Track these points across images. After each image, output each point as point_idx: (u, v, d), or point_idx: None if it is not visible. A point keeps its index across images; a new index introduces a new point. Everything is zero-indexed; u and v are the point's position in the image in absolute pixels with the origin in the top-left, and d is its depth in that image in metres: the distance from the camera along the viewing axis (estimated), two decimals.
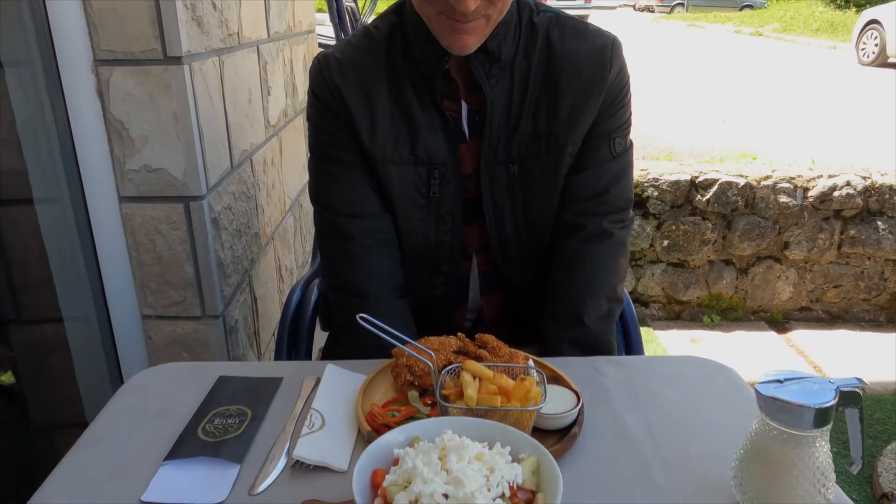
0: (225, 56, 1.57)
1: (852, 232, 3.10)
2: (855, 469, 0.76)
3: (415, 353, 0.89)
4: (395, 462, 0.67)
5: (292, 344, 1.43)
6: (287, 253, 2.24)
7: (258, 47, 1.88)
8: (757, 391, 0.72)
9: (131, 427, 0.93)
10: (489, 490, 0.62)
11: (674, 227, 3.13)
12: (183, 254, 1.45)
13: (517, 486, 0.64)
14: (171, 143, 1.36)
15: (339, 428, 0.90)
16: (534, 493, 0.66)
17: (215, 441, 0.88)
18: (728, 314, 3.26)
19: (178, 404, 0.97)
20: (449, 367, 0.89)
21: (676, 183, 3.07)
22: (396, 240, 1.22)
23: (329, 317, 1.55)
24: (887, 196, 3.05)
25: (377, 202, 1.19)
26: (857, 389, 0.71)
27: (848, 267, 3.18)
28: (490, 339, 1.02)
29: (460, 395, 0.84)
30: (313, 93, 1.18)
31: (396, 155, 1.15)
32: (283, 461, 0.85)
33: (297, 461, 0.84)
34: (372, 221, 1.20)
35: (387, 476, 0.65)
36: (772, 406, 0.70)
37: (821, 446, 0.70)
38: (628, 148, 1.23)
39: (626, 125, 1.22)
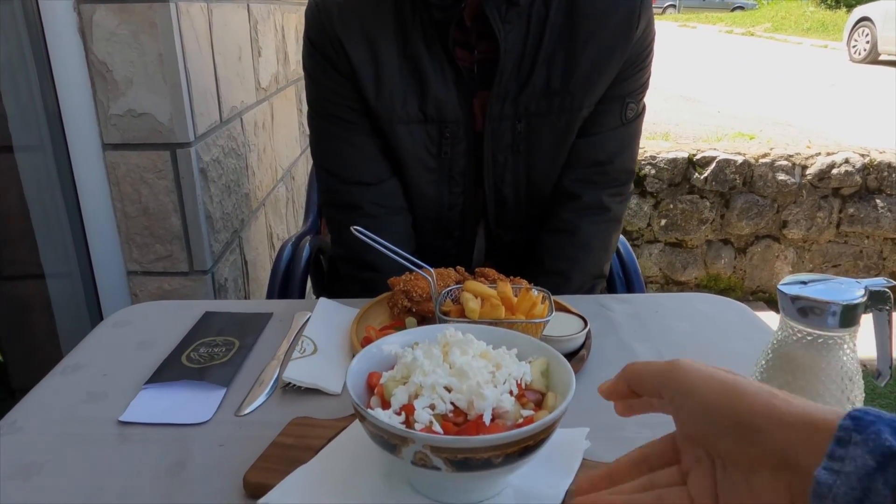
0: (213, 5, 1.51)
1: (851, 210, 3.08)
2: (882, 381, 0.71)
3: (413, 267, 0.84)
4: (393, 368, 0.62)
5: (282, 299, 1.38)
6: (279, 223, 2.19)
7: (248, 5, 1.83)
8: (780, 291, 0.67)
9: (110, 357, 0.87)
10: (495, 386, 0.57)
11: (671, 206, 3.09)
12: (170, 205, 1.39)
13: (525, 386, 0.59)
14: (157, 87, 1.31)
15: (332, 354, 0.85)
16: (543, 393, 0.61)
17: (200, 367, 0.82)
18: (726, 295, 3.22)
19: (160, 337, 0.91)
20: (449, 289, 0.84)
21: (674, 161, 3.04)
22: (406, 203, 1.15)
23: (322, 282, 1.50)
24: (886, 174, 3.03)
25: (385, 165, 1.12)
26: (885, 289, 0.66)
27: (847, 246, 3.15)
28: (490, 272, 0.97)
29: (461, 313, 0.79)
30: (310, 41, 1.09)
31: (404, 113, 1.06)
32: (272, 385, 0.79)
33: (288, 385, 0.79)
34: (380, 188, 1.13)
35: (384, 374, 0.60)
36: (795, 306, 0.66)
37: (848, 349, 0.66)
38: (640, 113, 1.15)
39: (642, 88, 1.13)
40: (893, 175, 3.03)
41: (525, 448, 0.52)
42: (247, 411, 0.75)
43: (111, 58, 1.29)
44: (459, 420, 0.54)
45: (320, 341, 0.86)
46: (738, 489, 0.41)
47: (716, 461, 0.43)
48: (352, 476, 0.61)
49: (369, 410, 0.54)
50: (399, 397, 0.56)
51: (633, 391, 0.47)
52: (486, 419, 0.54)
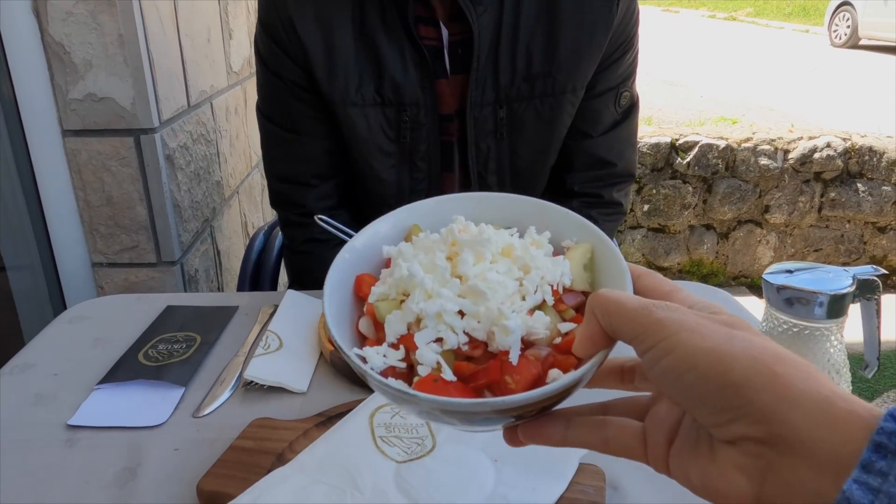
0: None
1: (832, 195, 3.07)
2: (869, 373, 0.69)
3: None
4: (387, 264, 0.45)
5: (254, 290, 1.33)
6: (254, 211, 2.13)
7: None
8: (765, 281, 0.64)
9: (63, 355, 0.82)
10: (524, 299, 0.41)
11: (654, 192, 3.07)
12: (135, 193, 1.34)
13: (563, 290, 0.42)
14: (118, 70, 1.25)
15: (298, 350, 0.80)
16: (586, 294, 0.43)
17: (157, 365, 0.78)
18: (709, 280, 3.22)
19: (118, 333, 0.87)
20: None
21: (657, 145, 3.01)
22: (347, 201, 1.14)
23: (294, 273, 1.46)
24: (867, 158, 3.02)
25: (331, 164, 1.10)
26: (874, 277, 0.63)
27: (828, 230, 3.15)
28: None
29: None
30: (261, 24, 1.04)
31: (359, 96, 1.01)
32: (234, 384, 0.75)
33: (251, 384, 0.75)
34: (324, 187, 1.11)
35: (373, 287, 0.43)
36: (781, 296, 0.63)
37: (836, 340, 0.63)
38: (635, 103, 1.13)
39: (632, 73, 1.10)
40: (874, 159, 3.02)
41: (562, 397, 0.38)
42: (205, 413, 0.70)
43: (68, 39, 1.23)
44: (478, 353, 0.40)
45: (286, 336, 0.82)
46: (699, 450, 0.34)
47: None
48: (325, 485, 0.57)
49: (355, 356, 0.40)
50: (395, 326, 0.41)
51: (608, 334, 0.37)
52: (514, 357, 0.39)
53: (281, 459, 0.60)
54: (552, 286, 0.41)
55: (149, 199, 1.35)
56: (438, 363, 0.39)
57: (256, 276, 1.34)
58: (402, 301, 0.41)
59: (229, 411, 0.71)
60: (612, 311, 0.35)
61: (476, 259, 0.42)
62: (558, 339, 0.40)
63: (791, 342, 0.63)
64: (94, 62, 1.24)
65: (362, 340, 0.43)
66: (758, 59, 9.27)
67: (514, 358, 0.38)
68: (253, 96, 2.13)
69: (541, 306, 0.41)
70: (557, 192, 1.15)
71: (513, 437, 0.40)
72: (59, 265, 1.39)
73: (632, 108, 1.13)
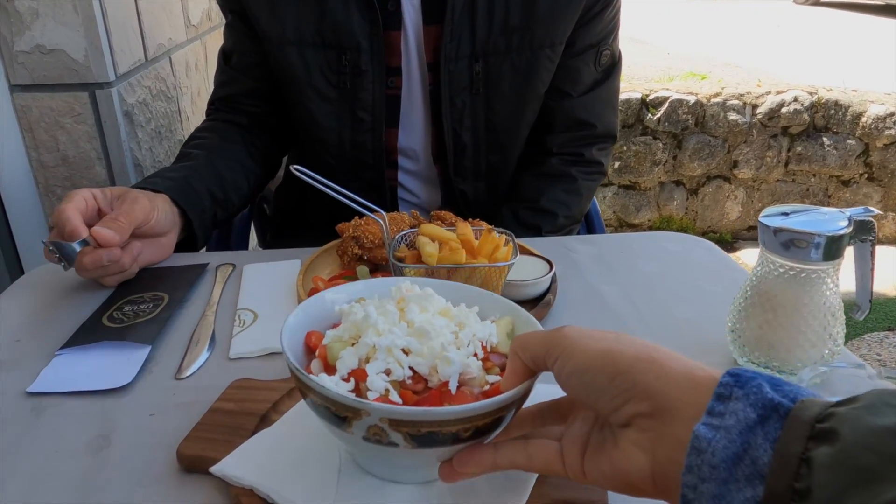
0: None
1: (799, 149, 3.10)
2: (860, 315, 0.68)
3: (364, 210, 0.76)
4: (337, 326, 0.52)
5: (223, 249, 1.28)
6: None
7: None
8: (761, 223, 0.62)
9: (22, 321, 0.77)
10: (459, 349, 0.48)
11: (625, 148, 3.06)
12: (92, 152, 1.26)
13: (490, 349, 0.50)
14: (68, 18, 1.16)
15: (275, 315, 0.77)
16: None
17: (123, 326, 0.73)
18: None
19: (81, 297, 0.82)
20: (403, 233, 0.77)
21: (627, 101, 2.99)
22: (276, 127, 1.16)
23: (265, 233, 1.42)
24: (833, 112, 3.05)
25: (264, 100, 1.12)
26: (870, 218, 0.62)
27: (794, 184, 3.19)
28: (448, 214, 0.90)
29: (417, 259, 0.72)
30: None
31: (296, 35, 0.99)
32: (208, 346, 0.71)
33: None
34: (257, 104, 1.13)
35: (328, 332, 0.50)
36: (778, 239, 0.61)
37: (832, 283, 0.62)
38: (617, 62, 1.11)
39: (613, 32, 1.08)
40: (840, 113, 3.05)
41: (497, 419, 0.45)
42: (186, 374, 0.67)
43: None
44: (419, 388, 0.46)
45: (259, 308, 0.78)
46: (605, 445, 0.40)
47: (598, 419, 0.43)
48: (316, 444, 0.54)
49: (312, 377, 0.44)
50: (347, 361, 0.46)
51: (528, 367, 0.44)
52: (453, 387, 0.46)
53: (265, 421, 0.57)
54: (482, 342, 0.49)
55: (108, 158, 1.28)
56: (387, 389, 0.45)
57: (226, 235, 1.29)
58: (354, 344, 0.48)
59: (206, 374, 0.67)
60: (528, 341, 0.44)
61: (420, 310, 0.50)
62: (487, 387, 0.47)
63: (787, 286, 0.62)
64: (40, 11, 1.15)
65: None
66: (722, 15, 9.27)
67: (453, 388, 0.46)
68: (214, 52, 2.03)
69: (474, 356, 0.48)
70: (538, 151, 1.13)
71: (449, 472, 0.45)
72: (14, 229, 1.32)
73: (613, 67, 1.11)
